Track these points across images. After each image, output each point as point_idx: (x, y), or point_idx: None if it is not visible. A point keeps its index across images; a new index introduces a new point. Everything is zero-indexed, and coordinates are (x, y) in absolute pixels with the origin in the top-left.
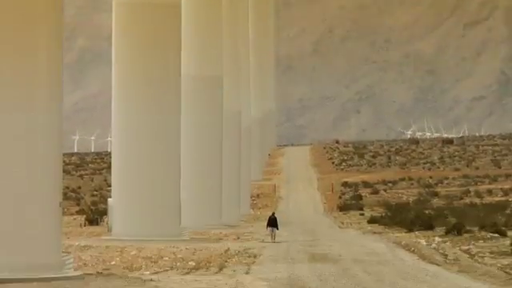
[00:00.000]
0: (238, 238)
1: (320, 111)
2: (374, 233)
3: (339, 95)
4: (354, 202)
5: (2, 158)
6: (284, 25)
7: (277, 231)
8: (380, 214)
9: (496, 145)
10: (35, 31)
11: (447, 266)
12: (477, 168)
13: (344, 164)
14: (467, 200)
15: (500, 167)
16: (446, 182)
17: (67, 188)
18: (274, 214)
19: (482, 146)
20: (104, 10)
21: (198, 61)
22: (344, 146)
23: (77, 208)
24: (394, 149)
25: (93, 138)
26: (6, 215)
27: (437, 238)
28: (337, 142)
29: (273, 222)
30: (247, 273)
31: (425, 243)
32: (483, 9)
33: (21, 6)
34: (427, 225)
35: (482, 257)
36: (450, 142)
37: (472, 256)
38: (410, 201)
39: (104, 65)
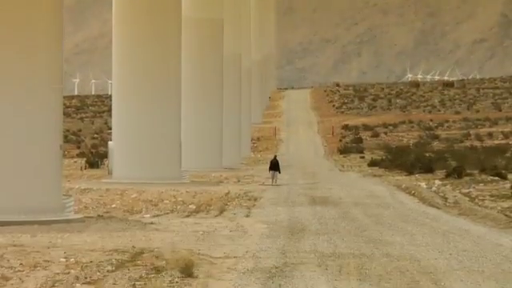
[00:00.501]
0: (239, 180)
1: (321, 54)
2: (375, 176)
3: (340, 38)
4: (354, 145)
5: (2, 101)
6: None
7: (278, 174)
8: (380, 157)
9: (497, 88)
10: None
11: (447, 209)
12: (477, 111)
13: (344, 107)
14: (467, 143)
15: (500, 110)
16: (446, 125)
17: (67, 131)
18: (275, 157)
19: (483, 88)
20: None
21: (199, 3)
22: (344, 89)
23: (77, 151)
24: (394, 92)
25: (93, 80)
26: (6, 158)
27: (437, 181)
28: (337, 84)
29: (275, 166)
30: (247, 216)
31: (425, 186)
32: None
33: None
34: (427, 168)
35: (482, 200)
36: (450, 84)
37: (472, 199)
38: (411, 144)
39: (104, 6)
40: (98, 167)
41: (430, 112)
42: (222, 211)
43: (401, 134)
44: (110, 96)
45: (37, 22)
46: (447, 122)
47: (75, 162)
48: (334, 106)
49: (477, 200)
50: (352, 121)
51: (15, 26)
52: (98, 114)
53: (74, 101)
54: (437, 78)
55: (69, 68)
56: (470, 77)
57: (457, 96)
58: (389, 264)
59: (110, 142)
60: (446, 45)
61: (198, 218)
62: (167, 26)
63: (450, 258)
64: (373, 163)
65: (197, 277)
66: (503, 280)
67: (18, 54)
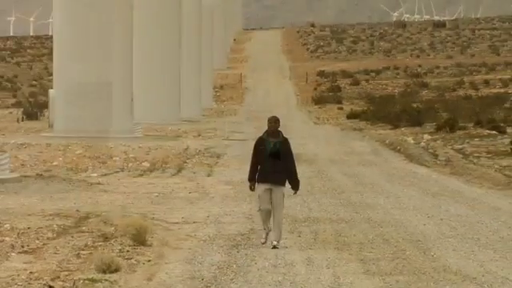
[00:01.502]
0: (199, 135)
1: None
2: (355, 129)
3: None
4: (331, 94)
5: None
6: None
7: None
8: (361, 108)
9: (495, 29)
10: None
11: (438, 168)
12: (472, 55)
13: (320, 50)
14: (461, 92)
15: (499, 54)
16: (436, 71)
17: (1, 77)
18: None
19: (479, 30)
20: None
21: None
22: (320, 30)
23: (13, 100)
24: (377, 33)
25: (32, 19)
26: None
27: (426, 136)
28: (312, 25)
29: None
30: (209, 175)
31: (412, 141)
32: None
33: None
34: (415, 121)
35: (478, 157)
36: (442, 25)
37: (466, 156)
38: (396, 93)
39: None
40: (37, 119)
41: (417, 56)
42: (179, 170)
43: (385, 81)
44: (51, 37)
45: None
46: (438, 67)
47: (11, 113)
48: (308, 49)
49: (471, 157)
50: (329, 66)
51: None
52: (37, 58)
53: (8, 42)
54: (426, 17)
55: (3, 5)
56: (462, 16)
57: (449, 38)
58: (370, 231)
59: (50, 90)
60: None
61: (153, 177)
62: None
63: (440, 224)
64: (352, 115)
65: (151, 245)
66: (501, 249)
67: None
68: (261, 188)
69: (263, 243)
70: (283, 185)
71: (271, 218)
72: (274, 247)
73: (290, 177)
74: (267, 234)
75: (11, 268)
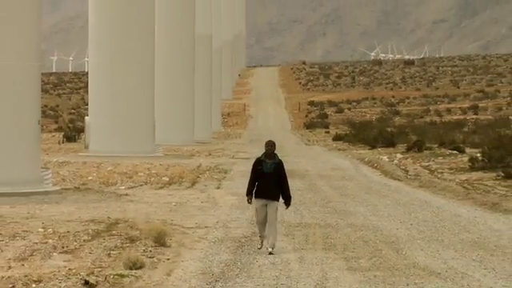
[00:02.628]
0: (210, 154)
1: (288, 34)
2: (339, 149)
3: (306, 18)
4: (319, 120)
5: None
6: None
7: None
8: (344, 132)
9: (455, 66)
10: None
11: (408, 182)
12: (437, 88)
13: (310, 84)
14: (427, 118)
15: (459, 87)
16: (407, 101)
17: (46, 106)
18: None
19: (442, 67)
20: None
21: None
22: (310, 67)
23: (55, 126)
24: (357, 70)
25: (71, 58)
26: (3, 134)
27: (398, 155)
28: (304, 63)
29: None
30: (218, 188)
31: (387, 159)
32: None
33: None
34: (389, 142)
35: (441, 172)
36: (411, 63)
37: (432, 172)
38: (373, 119)
39: None
40: (75, 141)
41: (391, 89)
42: (193, 183)
43: (364, 109)
44: (87, 73)
45: (15, 2)
46: (408, 98)
47: (53, 136)
48: (300, 83)
49: (436, 173)
50: (317, 97)
51: None
52: (75, 91)
53: (51, 77)
54: (398, 56)
55: (47, 46)
56: (428, 55)
57: (417, 74)
58: (353, 234)
59: (86, 117)
60: (407, 25)
61: (171, 189)
62: (140, 7)
63: (410, 228)
64: (337, 138)
65: (169, 246)
66: (461, 249)
67: None
68: (258, 203)
69: (259, 248)
70: (277, 200)
71: (266, 230)
72: (270, 253)
73: (283, 194)
74: (262, 241)
75: (53, 265)
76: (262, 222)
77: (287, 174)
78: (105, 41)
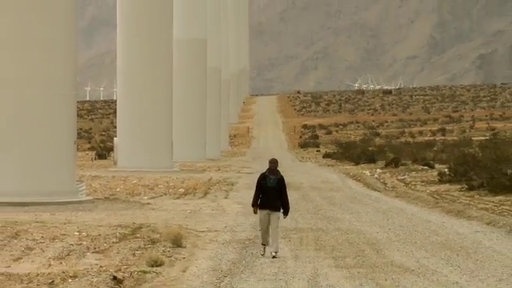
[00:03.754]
0: (219, 169)
1: (285, 68)
2: (328, 165)
3: (300, 55)
4: (311, 140)
5: (32, 102)
6: None
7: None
8: (332, 151)
9: (426, 95)
10: (55, 3)
11: (386, 192)
12: (410, 113)
13: (304, 110)
14: (403, 139)
15: (429, 113)
16: (385, 124)
17: (80, 129)
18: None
19: (415, 95)
20: None
21: (187, 26)
22: (304, 96)
23: (88, 145)
24: (344, 98)
25: (101, 88)
26: (31, 152)
27: (378, 170)
28: (298, 92)
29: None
30: (226, 197)
31: (368, 174)
32: None
33: None
34: (370, 159)
35: (415, 185)
36: (389, 92)
37: (406, 184)
38: (357, 140)
39: (110, 28)
40: (105, 158)
41: (372, 114)
42: (205, 194)
43: (349, 132)
44: (115, 101)
45: (56, 41)
46: (386, 122)
47: (87, 154)
48: (295, 109)
49: (410, 185)
50: (310, 121)
51: (40, 45)
52: (105, 116)
53: (85, 105)
54: (378, 87)
55: (82, 79)
56: (403, 86)
57: (394, 101)
58: (340, 236)
59: (115, 138)
60: (385, 61)
61: (186, 199)
62: (161, 45)
63: (388, 232)
64: (326, 155)
65: (185, 247)
66: (431, 249)
67: (40, 67)
68: (262, 213)
69: (262, 255)
70: (279, 210)
71: (269, 238)
72: (274, 257)
73: (283, 205)
74: (265, 248)
75: (87, 263)
76: (266, 230)
77: (285, 187)
78: (131, 74)
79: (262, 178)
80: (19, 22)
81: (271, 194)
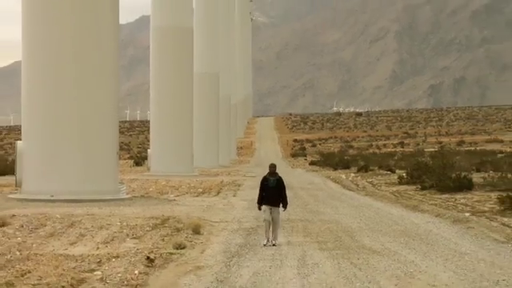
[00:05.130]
0: (229, 174)
1: (280, 95)
2: (313, 171)
3: (292, 85)
4: (300, 151)
5: (86, 120)
6: (258, 40)
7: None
8: (317, 159)
9: (389, 116)
10: (104, 45)
11: (358, 192)
12: (377, 130)
13: (294, 128)
14: (371, 150)
15: (391, 130)
16: (357, 139)
17: (122, 143)
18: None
19: (380, 117)
20: (144, 30)
21: (203, 62)
22: (294, 117)
23: (128, 155)
24: (325, 118)
25: (138, 111)
26: (85, 160)
27: (352, 174)
28: (290, 114)
29: (273, 196)
30: (234, 196)
31: (344, 177)
32: (381, 31)
33: (97, 30)
34: (346, 166)
35: (380, 186)
36: (360, 114)
37: (374, 185)
38: (335, 151)
39: (145, 65)
40: (141, 165)
41: (347, 131)
42: (218, 193)
43: (329, 144)
44: (148, 121)
45: (104, 75)
46: (358, 137)
47: (126, 162)
48: (288, 127)
49: (376, 186)
50: (299, 137)
51: (93, 78)
52: (140, 132)
53: (126, 124)
54: (352, 109)
55: (123, 104)
56: (371, 109)
57: (364, 121)
58: (322, 226)
59: (148, 150)
60: (357, 90)
61: (203, 197)
62: (184, 77)
63: (360, 222)
64: (312, 163)
65: (202, 234)
66: (393, 236)
67: (93, 93)
68: (265, 208)
69: (264, 245)
70: (279, 206)
71: (270, 229)
72: (274, 245)
73: (282, 201)
74: (268, 239)
75: (127, 247)
76: (268, 222)
77: (284, 186)
78: (161, 100)
79: (264, 180)
80: (80, 58)
81: (272, 192)
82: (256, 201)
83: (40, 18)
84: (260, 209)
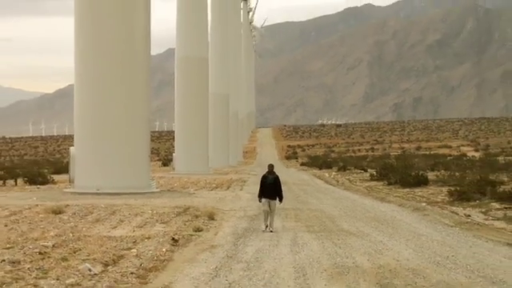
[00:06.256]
0: (237, 172)
1: (276, 111)
2: (303, 170)
3: (285, 103)
4: (293, 155)
5: (126, 131)
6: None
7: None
8: (306, 161)
9: (362, 127)
10: (139, 71)
11: (338, 186)
12: (353, 138)
13: (288, 136)
14: (348, 154)
15: (364, 138)
16: (338, 145)
17: (153, 148)
18: (273, 171)
19: (355, 127)
20: (170, 59)
21: (218, 84)
22: (288, 128)
23: (157, 158)
24: (312, 129)
25: (165, 123)
26: (124, 161)
27: (333, 173)
28: (285, 125)
29: (271, 189)
30: (241, 190)
31: (327, 175)
32: (356, 60)
33: (134, 59)
34: (328, 166)
35: (355, 182)
36: (339, 126)
37: (350, 181)
38: (320, 154)
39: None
40: (167, 166)
41: (329, 139)
42: (228, 187)
43: (316, 150)
44: (174, 131)
45: (139, 95)
46: (338, 144)
47: (156, 163)
48: (283, 136)
49: (353, 182)
50: (292, 143)
51: (130, 96)
52: (167, 140)
53: (155, 133)
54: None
55: (153, 117)
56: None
57: (343, 131)
58: (310, 213)
59: (174, 154)
60: (337, 107)
61: (217, 191)
62: (201, 97)
63: (339, 211)
64: (302, 164)
65: (216, 220)
66: (366, 221)
67: (131, 109)
68: (264, 201)
69: (263, 231)
70: (275, 199)
71: (268, 218)
72: (271, 231)
73: (279, 195)
74: (266, 226)
75: (156, 230)
76: (266, 212)
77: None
78: (184, 115)
79: (264, 178)
80: (120, 82)
81: (270, 188)
82: (257, 194)
83: (90, 50)
84: (260, 201)
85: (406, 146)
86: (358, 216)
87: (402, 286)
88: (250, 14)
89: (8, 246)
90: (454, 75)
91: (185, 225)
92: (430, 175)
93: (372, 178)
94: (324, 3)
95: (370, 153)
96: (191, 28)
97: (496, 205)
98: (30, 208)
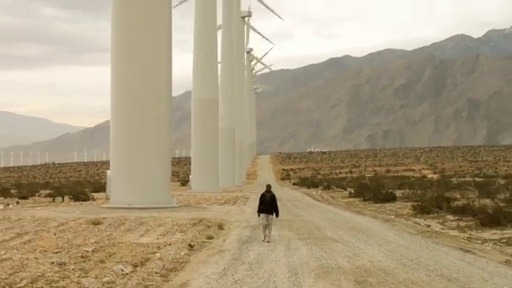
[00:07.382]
0: (241, 191)
1: (273, 141)
2: (295, 189)
3: (280, 135)
4: (287, 176)
5: (151, 158)
6: (259, 105)
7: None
8: (297, 181)
9: (342, 154)
10: (162, 110)
11: (324, 202)
12: (335, 163)
13: (283, 162)
14: (331, 176)
15: (344, 163)
16: (323, 168)
17: (173, 171)
18: (270, 191)
19: (337, 154)
20: (188, 100)
21: (226, 120)
22: (283, 155)
23: (177, 179)
24: (302, 156)
25: (184, 151)
26: (149, 180)
27: (319, 191)
28: (280, 153)
29: (269, 204)
30: (245, 205)
31: (314, 193)
32: (337, 100)
33: (158, 100)
34: (315, 185)
35: (337, 198)
36: (324, 153)
37: (333, 198)
38: (309, 176)
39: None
40: (185, 186)
41: (316, 164)
42: (234, 203)
43: (305, 172)
44: (190, 158)
45: (161, 129)
46: (323, 167)
47: (176, 183)
48: (278, 161)
49: (335, 198)
50: (286, 167)
51: (156, 131)
52: (185, 165)
53: (175, 159)
54: (319, 150)
55: (173, 147)
56: (330, 150)
57: (327, 157)
58: (301, 224)
59: (190, 176)
60: (322, 137)
61: (225, 206)
62: (212, 130)
63: (325, 222)
64: (294, 184)
65: (224, 229)
66: (346, 230)
67: (154, 142)
68: (262, 216)
69: (262, 241)
70: (272, 214)
71: (266, 230)
72: (268, 242)
73: (275, 211)
74: (264, 237)
75: (176, 238)
76: (264, 226)
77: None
78: (198, 145)
79: (262, 196)
80: (146, 119)
81: (267, 205)
82: (256, 210)
83: (123, 92)
84: (259, 215)
85: (377, 169)
86: (340, 226)
87: (376, 282)
88: (252, 63)
89: (56, 250)
90: (416, 112)
91: (199, 233)
92: (398, 193)
93: (350, 195)
94: (312, 54)
95: (349, 175)
96: (204, 75)
97: (450, 217)
98: (74, 220)
